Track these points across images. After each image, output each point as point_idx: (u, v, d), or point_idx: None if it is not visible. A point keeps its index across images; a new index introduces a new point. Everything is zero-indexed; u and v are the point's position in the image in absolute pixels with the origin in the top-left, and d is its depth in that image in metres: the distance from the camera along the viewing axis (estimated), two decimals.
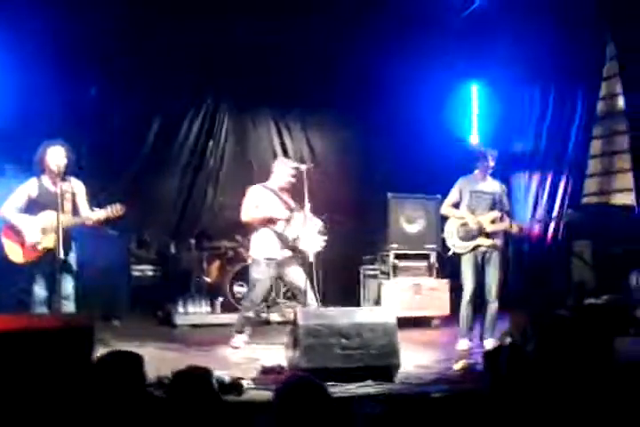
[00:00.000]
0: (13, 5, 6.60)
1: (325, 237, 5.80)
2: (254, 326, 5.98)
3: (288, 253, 5.71)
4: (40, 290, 5.18)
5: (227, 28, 7.47)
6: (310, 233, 5.65)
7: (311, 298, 5.67)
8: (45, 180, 5.23)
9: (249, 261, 6.17)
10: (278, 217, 5.68)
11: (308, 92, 8.08)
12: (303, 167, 5.83)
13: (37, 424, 3.48)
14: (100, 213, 5.12)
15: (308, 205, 5.62)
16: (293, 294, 6.47)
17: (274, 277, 5.88)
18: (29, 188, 5.24)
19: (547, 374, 4.42)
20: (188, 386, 2.79)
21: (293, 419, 2.53)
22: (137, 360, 2.88)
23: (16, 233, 5.16)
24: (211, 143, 8.27)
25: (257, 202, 5.74)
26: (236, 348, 5.68)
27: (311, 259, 5.65)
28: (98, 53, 7.30)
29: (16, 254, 5.17)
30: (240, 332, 5.76)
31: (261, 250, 5.74)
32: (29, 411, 3.62)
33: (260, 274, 5.73)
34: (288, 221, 5.68)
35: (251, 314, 5.81)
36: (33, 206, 5.19)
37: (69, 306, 5.19)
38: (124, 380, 2.73)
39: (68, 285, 5.20)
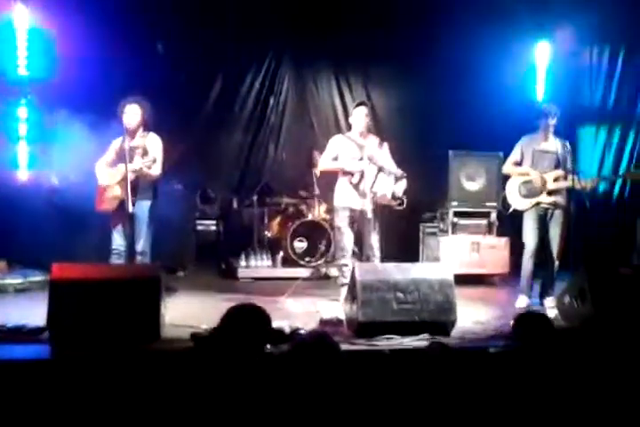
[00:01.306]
0: None
1: (404, 184, 5.62)
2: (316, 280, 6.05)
3: (367, 205, 5.59)
4: (117, 241, 5.46)
5: None
6: (388, 184, 5.58)
7: (377, 256, 5.67)
8: (126, 136, 5.40)
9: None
10: (351, 170, 5.64)
11: (370, 47, 7.99)
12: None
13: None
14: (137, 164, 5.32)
15: (386, 146, 5.68)
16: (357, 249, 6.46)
17: (354, 225, 5.74)
18: (115, 144, 5.51)
19: (603, 333, 4.43)
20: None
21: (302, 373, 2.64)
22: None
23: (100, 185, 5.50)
24: (272, 100, 8.31)
25: (336, 152, 5.73)
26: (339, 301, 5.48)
27: (369, 215, 5.66)
28: (164, 9, 7.38)
29: (97, 202, 5.51)
30: (345, 284, 5.51)
31: (340, 198, 5.73)
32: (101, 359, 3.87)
33: (341, 221, 5.72)
34: (362, 174, 5.60)
35: (347, 261, 5.68)
36: (115, 163, 5.46)
37: (145, 260, 5.46)
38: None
39: (142, 241, 5.45)
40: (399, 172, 5.66)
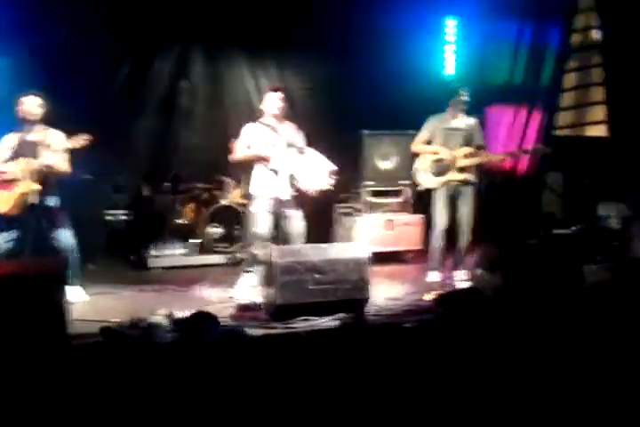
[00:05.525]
0: None
1: (332, 181, 5.47)
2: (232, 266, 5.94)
3: (287, 191, 5.46)
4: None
5: None
6: (312, 172, 5.42)
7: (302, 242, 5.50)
8: (24, 130, 5.29)
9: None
10: (266, 155, 5.44)
11: (282, 30, 7.89)
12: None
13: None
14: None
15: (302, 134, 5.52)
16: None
17: (272, 213, 5.54)
18: (9, 140, 5.31)
19: (514, 302, 4.56)
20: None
21: None
22: None
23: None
24: (183, 84, 8.10)
25: (249, 140, 5.53)
26: (244, 290, 5.40)
27: (289, 199, 5.49)
28: None
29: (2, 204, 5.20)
30: (248, 271, 5.49)
31: (259, 187, 5.53)
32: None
33: (256, 208, 5.50)
34: (280, 158, 5.42)
35: (256, 250, 5.42)
36: (14, 157, 5.24)
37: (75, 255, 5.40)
38: None
39: (68, 236, 5.39)
40: (329, 164, 5.48)
